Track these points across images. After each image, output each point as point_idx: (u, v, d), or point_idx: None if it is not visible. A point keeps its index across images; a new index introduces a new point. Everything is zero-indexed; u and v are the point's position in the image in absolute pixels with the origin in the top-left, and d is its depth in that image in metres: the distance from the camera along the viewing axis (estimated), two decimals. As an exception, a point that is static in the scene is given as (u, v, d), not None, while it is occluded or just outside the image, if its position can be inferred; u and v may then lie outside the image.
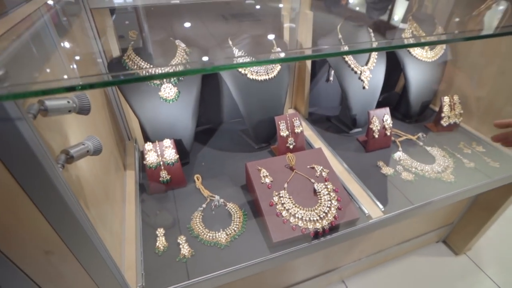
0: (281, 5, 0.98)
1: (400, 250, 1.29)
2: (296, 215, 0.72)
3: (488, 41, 1.03)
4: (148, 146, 0.81)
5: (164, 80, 0.84)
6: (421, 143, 1.05)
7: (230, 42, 0.89)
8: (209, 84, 1.01)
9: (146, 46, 0.82)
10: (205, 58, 0.89)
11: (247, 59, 0.67)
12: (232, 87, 0.89)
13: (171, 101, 0.84)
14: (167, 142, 0.81)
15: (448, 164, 0.96)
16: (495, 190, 0.98)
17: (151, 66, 0.82)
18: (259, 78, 0.91)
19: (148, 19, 0.88)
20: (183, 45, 0.88)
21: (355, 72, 1.00)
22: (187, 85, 0.86)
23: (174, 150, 0.81)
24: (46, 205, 0.38)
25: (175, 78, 0.85)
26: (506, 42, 0.98)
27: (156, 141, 0.82)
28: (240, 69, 0.89)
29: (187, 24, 0.93)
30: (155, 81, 0.83)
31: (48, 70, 0.48)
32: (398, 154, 0.99)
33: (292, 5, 0.98)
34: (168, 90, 0.84)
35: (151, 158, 0.80)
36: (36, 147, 0.33)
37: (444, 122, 1.08)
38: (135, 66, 0.82)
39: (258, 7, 0.97)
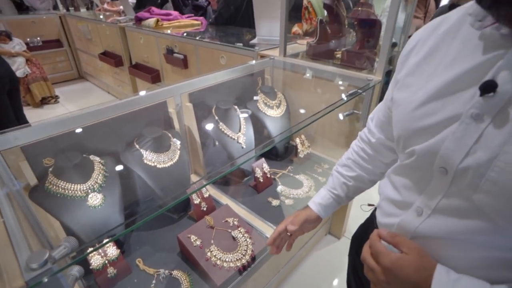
0: (168, 104, 1.26)
1: (305, 251, 1.70)
2: (226, 260, 0.99)
3: (304, 103, 1.58)
4: (90, 249, 0.93)
5: (89, 190, 0.99)
6: (291, 174, 1.49)
7: (137, 145, 1.12)
8: (123, 178, 1.19)
9: (64, 168, 0.96)
10: (117, 166, 1.08)
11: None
12: (146, 178, 1.11)
13: (99, 206, 1.00)
14: (108, 243, 0.96)
15: (311, 184, 1.42)
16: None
17: (74, 184, 0.97)
18: (166, 165, 1.15)
19: (60, 144, 1.02)
20: (97, 158, 1.05)
21: (233, 139, 1.36)
22: (109, 188, 1.03)
23: (115, 247, 0.97)
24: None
25: (98, 186, 1.01)
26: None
27: (96, 244, 0.95)
28: (149, 163, 1.12)
29: (96, 138, 1.10)
30: (80, 194, 0.98)
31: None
32: (280, 188, 1.39)
33: (175, 101, 1.28)
34: (94, 198, 0.99)
35: (97, 261, 0.93)
36: None
37: (301, 155, 1.56)
38: (59, 189, 0.95)
39: (149, 109, 1.22)
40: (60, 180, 0.95)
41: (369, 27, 1.44)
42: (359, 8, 1.38)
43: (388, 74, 1.64)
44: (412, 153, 0.54)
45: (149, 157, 1.11)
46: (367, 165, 0.76)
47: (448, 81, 0.47)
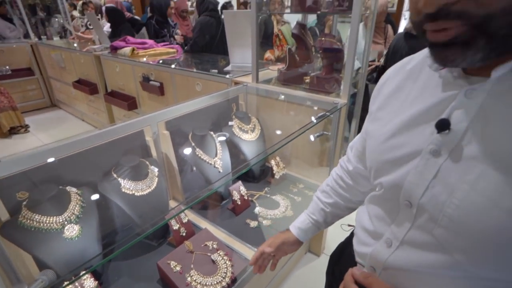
0: (145, 133, 1.29)
1: (286, 270, 1.72)
2: (207, 284, 1.01)
3: (277, 126, 1.66)
4: (66, 283, 0.92)
5: (65, 222, 0.98)
6: (268, 195, 1.54)
7: (114, 175, 1.13)
8: (100, 207, 1.19)
9: (39, 201, 0.96)
10: (95, 196, 1.09)
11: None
12: (124, 207, 1.11)
13: (76, 238, 0.99)
14: (84, 275, 0.95)
15: (287, 204, 1.47)
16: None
17: (50, 217, 0.96)
18: (145, 193, 1.17)
19: (34, 177, 1.02)
20: (74, 189, 1.05)
21: (210, 164, 1.40)
22: (87, 219, 1.03)
23: (92, 278, 0.96)
24: None
25: (75, 217, 1.01)
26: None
27: (73, 277, 0.94)
28: (127, 191, 1.13)
29: (73, 169, 1.10)
30: (56, 226, 0.97)
31: None
32: (257, 209, 1.43)
33: (152, 130, 1.32)
34: (71, 229, 0.99)
35: (73, 294, 0.92)
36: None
37: (277, 176, 1.62)
38: (34, 223, 0.94)
39: (126, 138, 1.24)
40: (34, 214, 0.94)
41: (333, 54, 1.56)
42: (323, 38, 1.51)
43: (353, 97, 1.77)
44: (381, 185, 0.57)
45: (127, 186, 1.12)
46: (344, 192, 0.78)
47: (411, 116, 0.51)
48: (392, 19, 3.41)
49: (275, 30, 3.05)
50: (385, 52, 2.45)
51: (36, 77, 4.39)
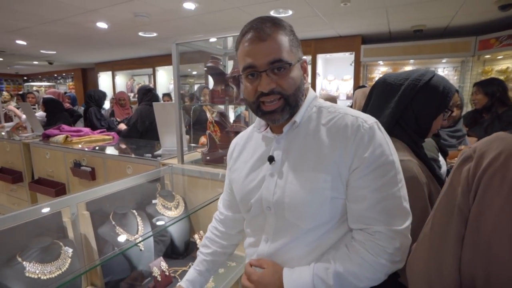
0: (62, 214, 1.32)
1: None
2: None
3: (200, 202, 1.80)
4: None
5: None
6: (191, 270, 1.56)
7: (19, 259, 1.11)
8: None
9: None
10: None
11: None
12: (28, 293, 1.07)
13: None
14: None
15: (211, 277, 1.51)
16: None
17: None
18: (53, 275, 1.14)
19: None
20: (-30, 277, 1.01)
21: (131, 242, 1.43)
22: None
23: None
24: None
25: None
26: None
27: None
28: (31, 275, 1.10)
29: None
30: None
31: None
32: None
33: (71, 211, 1.35)
34: (-42, 324, 0.91)
35: None
36: None
37: (201, 250, 1.67)
38: None
39: (39, 221, 1.26)
40: None
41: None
42: (235, 124, 1.80)
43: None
44: (250, 206, 0.87)
45: (32, 269, 1.10)
46: (219, 240, 1.05)
47: (255, 161, 0.88)
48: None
49: (209, 116, 3.42)
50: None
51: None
